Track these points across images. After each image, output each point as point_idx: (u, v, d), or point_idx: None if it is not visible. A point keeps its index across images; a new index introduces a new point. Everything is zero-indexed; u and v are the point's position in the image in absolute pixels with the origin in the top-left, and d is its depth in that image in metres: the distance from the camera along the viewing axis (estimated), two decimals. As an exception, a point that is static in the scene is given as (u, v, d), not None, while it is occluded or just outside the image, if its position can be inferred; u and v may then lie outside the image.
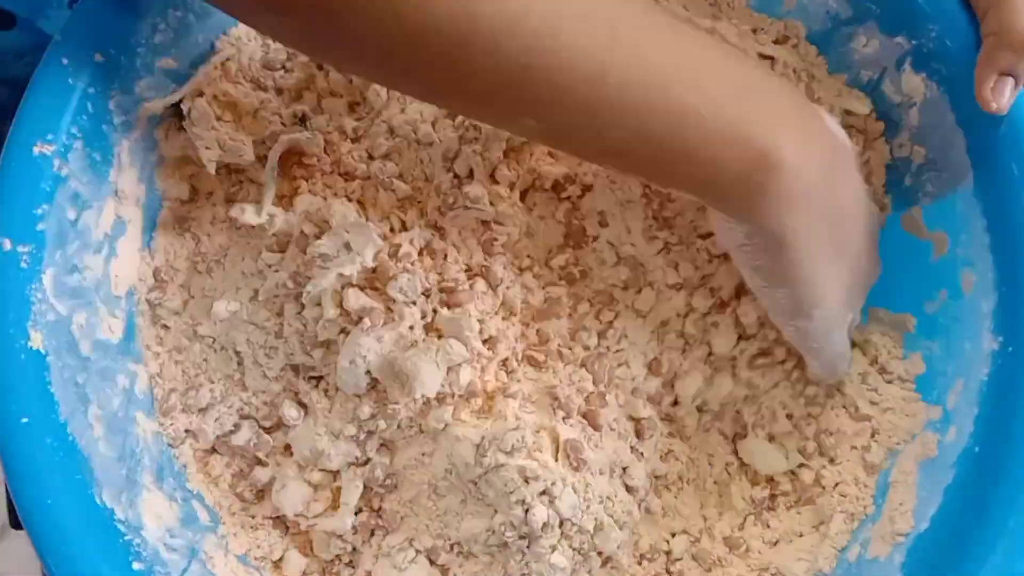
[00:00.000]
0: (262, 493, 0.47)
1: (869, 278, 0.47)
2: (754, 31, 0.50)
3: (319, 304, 0.44)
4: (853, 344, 0.49)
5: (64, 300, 0.42)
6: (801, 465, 0.48)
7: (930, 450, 0.46)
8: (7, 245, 0.40)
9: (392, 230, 0.46)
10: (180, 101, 0.46)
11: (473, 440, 0.43)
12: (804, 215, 0.40)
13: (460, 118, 0.48)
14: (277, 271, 0.45)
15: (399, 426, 0.45)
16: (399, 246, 0.44)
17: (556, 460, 0.44)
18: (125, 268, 0.46)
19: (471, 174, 0.47)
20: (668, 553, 0.47)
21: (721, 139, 0.38)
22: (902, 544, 0.44)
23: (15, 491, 0.40)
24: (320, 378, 0.46)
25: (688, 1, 0.51)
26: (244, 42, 0.48)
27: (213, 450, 0.47)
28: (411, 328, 0.43)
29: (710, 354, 0.48)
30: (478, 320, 0.44)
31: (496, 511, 0.44)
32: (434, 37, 0.35)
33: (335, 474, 0.46)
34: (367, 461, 0.45)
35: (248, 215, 0.46)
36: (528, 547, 0.44)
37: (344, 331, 0.44)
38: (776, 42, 0.50)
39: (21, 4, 0.51)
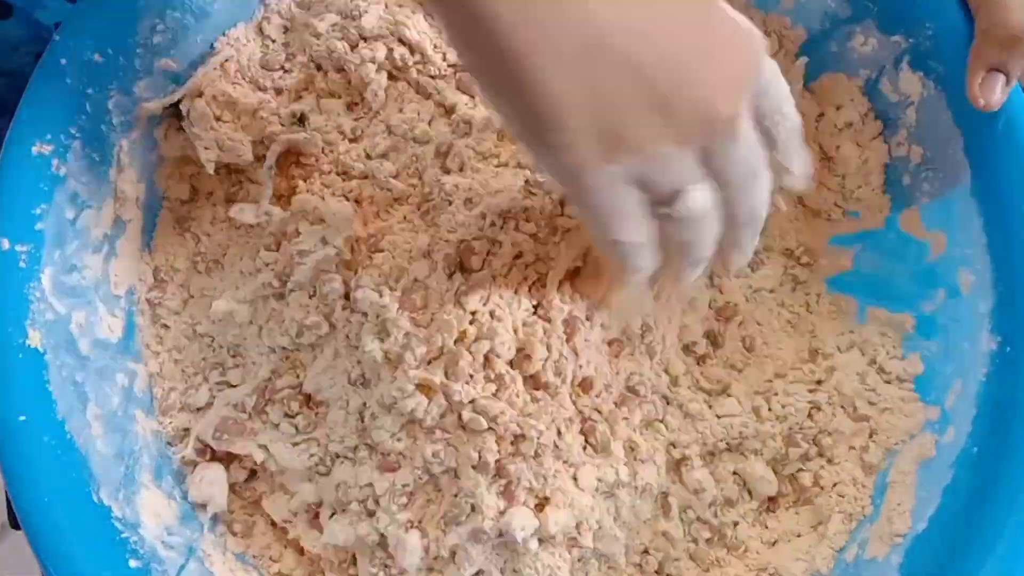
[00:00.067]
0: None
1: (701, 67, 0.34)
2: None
3: (301, 303, 0.45)
4: (851, 345, 0.49)
5: (63, 299, 0.43)
6: (800, 470, 0.48)
7: (928, 450, 0.46)
8: (5, 244, 0.41)
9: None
10: (179, 101, 0.46)
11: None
12: None
13: (455, 115, 0.48)
14: (273, 270, 0.46)
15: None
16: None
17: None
18: (125, 267, 0.46)
19: (461, 168, 0.47)
20: (666, 553, 0.47)
21: None
22: (900, 545, 0.44)
23: (12, 489, 0.40)
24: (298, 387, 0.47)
25: None
26: (243, 43, 0.49)
27: (212, 449, 0.47)
28: None
29: None
30: None
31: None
32: None
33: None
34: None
35: (246, 214, 0.46)
36: (526, 547, 0.44)
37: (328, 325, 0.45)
38: None
39: (17, -6, 0.51)
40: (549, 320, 0.45)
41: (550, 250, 0.45)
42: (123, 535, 0.42)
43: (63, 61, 0.42)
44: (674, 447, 0.48)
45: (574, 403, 0.45)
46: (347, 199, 0.48)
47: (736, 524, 0.48)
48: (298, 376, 0.46)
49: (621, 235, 0.36)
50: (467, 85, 0.50)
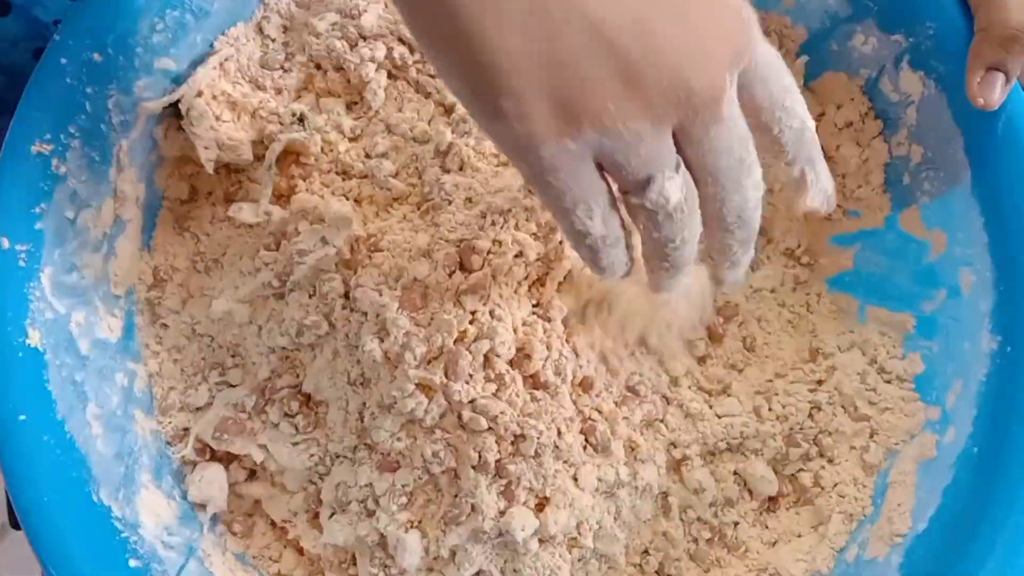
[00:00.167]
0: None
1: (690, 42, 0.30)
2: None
3: (300, 303, 0.45)
4: (851, 345, 0.49)
5: (62, 299, 0.43)
6: (800, 470, 0.48)
7: (929, 451, 0.46)
8: (5, 244, 0.41)
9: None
10: (179, 101, 0.46)
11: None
12: None
13: (455, 115, 0.48)
14: (272, 270, 0.46)
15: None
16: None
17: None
18: (124, 267, 0.46)
19: (461, 168, 0.47)
20: (666, 553, 0.47)
21: None
22: (900, 545, 0.44)
23: (12, 489, 0.40)
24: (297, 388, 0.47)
25: None
26: (243, 42, 0.49)
27: (211, 449, 0.47)
28: None
29: None
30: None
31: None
32: None
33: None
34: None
35: (246, 214, 0.46)
36: (526, 547, 0.44)
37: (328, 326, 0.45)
38: None
39: (16, -10, 0.51)
40: (549, 320, 0.45)
41: (550, 250, 0.45)
42: (123, 535, 0.42)
43: (63, 60, 0.42)
44: (674, 447, 0.48)
45: (574, 403, 0.45)
46: (347, 198, 0.48)
47: (736, 524, 0.48)
48: (298, 376, 0.46)
49: (583, 224, 0.33)
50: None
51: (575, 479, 0.45)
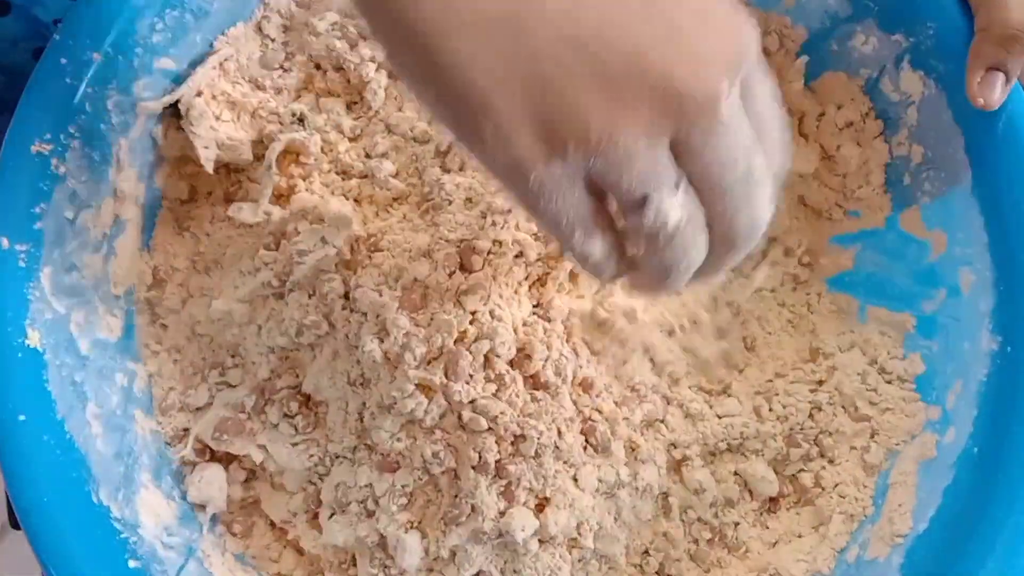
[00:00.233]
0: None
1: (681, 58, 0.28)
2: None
3: (300, 303, 0.45)
4: (851, 345, 0.49)
5: (62, 299, 0.43)
6: (801, 470, 0.48)
7: (929, 451, 0.46)
8: (5, 244, 0.41)
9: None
10: (178, 101, 0.46)
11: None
12: None
13: None
14: (272, 269, 0.46)
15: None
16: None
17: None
18: (124, 267, 0.46)
19: (461, 168, 0.47)
20: (667, 553, 0.47)
21: None
22: (901, 545, 0.44)
23: (12, 488, 0.40)
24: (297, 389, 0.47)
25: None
26: (242, 42, 0.49)
27: (211, 449, 0.47)
28: None
29: None
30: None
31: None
32: None
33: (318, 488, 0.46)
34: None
35: (245, 214, 0.46)
36: (526, 547, 0.44)
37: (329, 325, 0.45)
38: None
39: (15, -10, 0.51)
40: (549, 320, 0.45)
41: (550, 250, 0.45)
42: (122, 535, 0.42)
43: (63, 60, 0.42)
44: (675, 447, 0.48)
45: (574, 403, 0.45)
46: (347, 198, 0.48)
47: (737, 524, 0.48)
48: (297, 376, 0.46)
49: (582, 248, 0.31)
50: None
51: (575, 479, 0.45)
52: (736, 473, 0.48)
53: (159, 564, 0.43)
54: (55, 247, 0.42)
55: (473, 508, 0.43)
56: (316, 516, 0.46)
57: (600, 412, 0.46)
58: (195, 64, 0.47)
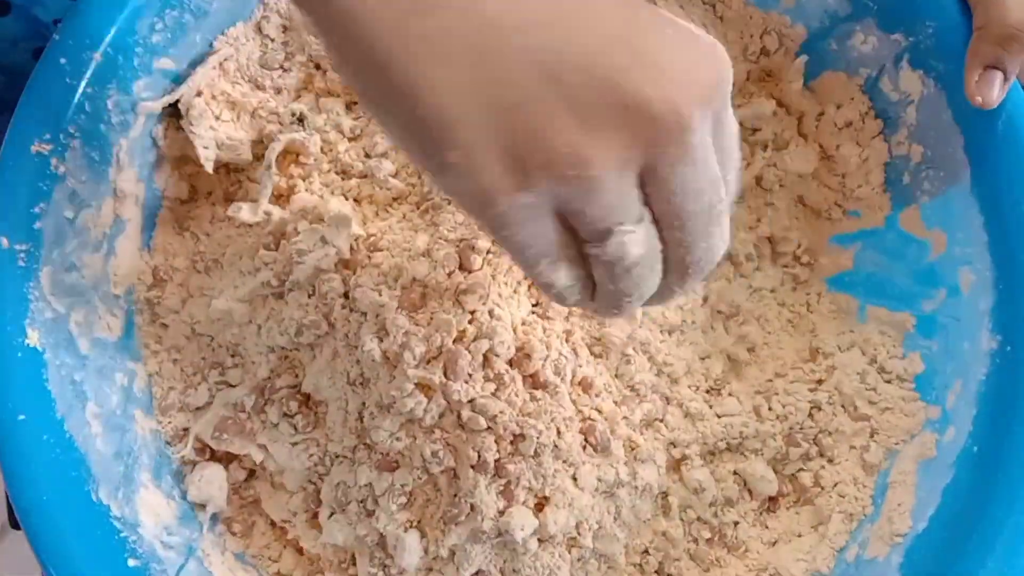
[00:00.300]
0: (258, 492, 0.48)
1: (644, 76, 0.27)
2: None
3: (300, 303, 0.45)
4: (851, 345, 0.49)
5: (62, 298, 0.43)
6: (800, 470, 0.48)
7: (929, 450, 0.46)
8: (4, 243, 0.41)
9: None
10: (178, 100, 0.46)
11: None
12: None
13: None
14: (272, 269, 0.46)
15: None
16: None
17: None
18: (124, 267, 0.46)
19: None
20: (666, 553, 0.47)
21: None
22: (900, 544, 0.44)
23: (11, 488, 0.40)
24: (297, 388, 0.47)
25: (684, 0, 0.51)
26: (242, 42, 0.49)
27: (211, 448, 0.47)
28: None
29: None
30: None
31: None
32: None
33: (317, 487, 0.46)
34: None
35: (245, 213, 0.46)
36: (526, 546, 0.44)
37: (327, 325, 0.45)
38: None
39: (15, -10, 0.51)
40: (548, 319, 0.45)
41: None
42: (122, 534, 0.42)
43: (63, 60, 0.42)
44: (674, 446, 0.48)
45: (574, 402, 0.45)
46: (346, 198, 0.48)
47: (736, 524, 0.48)
48: (297, 376, 0.46)
49: (548, 277, 0.30)
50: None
51: (574, 479, 0.45)
52: (736, 472, 0.48)
53: (159, 563, 0.43)
54: (55, 247, 0.42)
55: (472, 507, 0.43)
56: (316, 515, 0.46)
57: (599, 411, 0.46)
58: (195, 64, 0.47)
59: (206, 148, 0.46)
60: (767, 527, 0.48)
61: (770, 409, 0.49)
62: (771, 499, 0.48)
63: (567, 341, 0.46)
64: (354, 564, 0.46)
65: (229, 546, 0.47)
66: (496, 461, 0.43)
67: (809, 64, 0.51)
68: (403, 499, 0.44)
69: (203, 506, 0.46)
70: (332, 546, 0.45)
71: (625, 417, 0.47)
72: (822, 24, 0.50)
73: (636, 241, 0.29)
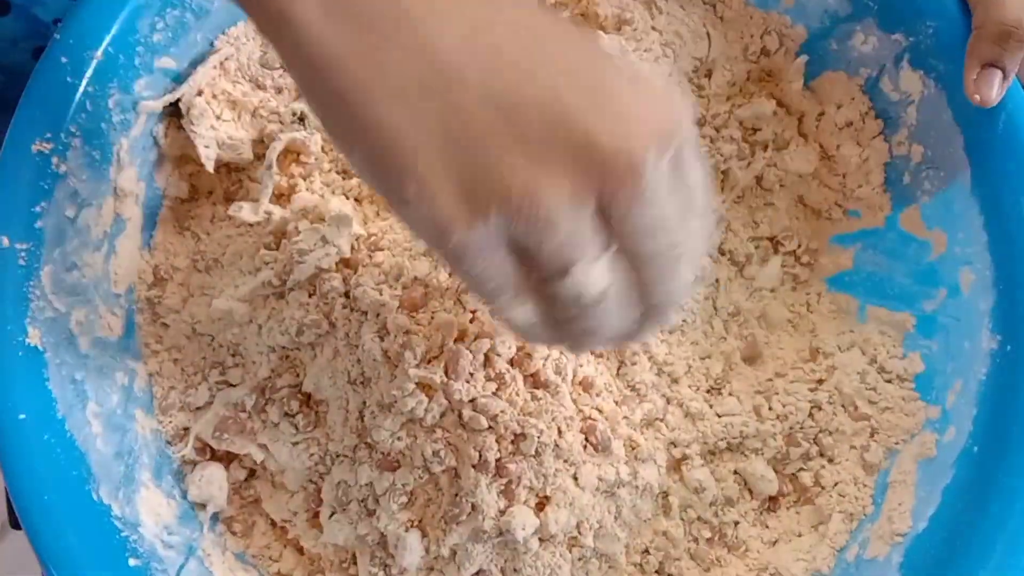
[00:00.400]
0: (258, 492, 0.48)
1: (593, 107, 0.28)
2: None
3: (301, 302, 0.45)
4: (851, 344, 0.49)
5: (62, 297, 0.43)
6: (800, 469, 0.48)
7: (929, 450, 0.46)
8: (5, 242, 0.41)
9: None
10: (179, 100, 0.46)
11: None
12: None
13: None
14: (272, 269, 0.46)
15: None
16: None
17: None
18: (125, 266, 0.46)
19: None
20: (667, 552, 0.47)
21: None
22: (900, 544, 0.44)
23: (12, 487, 0.40)
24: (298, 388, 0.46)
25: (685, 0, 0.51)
26: (243, 41, 0.49)
27: (211, 448, 0.47)
28: None
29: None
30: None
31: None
32: None
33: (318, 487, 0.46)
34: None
35: (246, 213, 0.46)
36: (527, 546, 0.44)
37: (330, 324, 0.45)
38: None
39: (15, -10, 0.51)
40: (549, 319, 0.45)
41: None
42: (123, 534, 0.42)
43: (63, 59, 0.42)
44: (675, 446, 0.48)
45: (574, 402, 0.45)
46: (347, 198, 0.48)
47: (737, 523, 0.48)
48: (298, 375, 0.46)
49: (507, 314, 0.31)
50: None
51: (575, 478, 0.45)
52: (736, 472, 0.48)
53: (159, 563, 0.43)
54: (56, 246, 0.42)
55: (473, 507, 0.43)
56: (316, 515, 0.46)
57: (600, 411, 0.46)
58: (196, 63, 0.47)
59: (207, 147, 0.46)
60: (767, 527, 0.48)
61: (770, 409, 0.49)
62: (771, 499, 0.48)
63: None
64: (355, 564, 0.46)
65: (230, 546, 0.47)
66: (497, 460, 0.43)
67: (809, 64, 0.51)
68: (404, 499, 0.44)
69: (203, 506, 0.46)
70: (333, 546, 0.45)
71: (626, 417, 0.47)
72: (822, 24, 0.50)
73: (595, 279, 0.29)
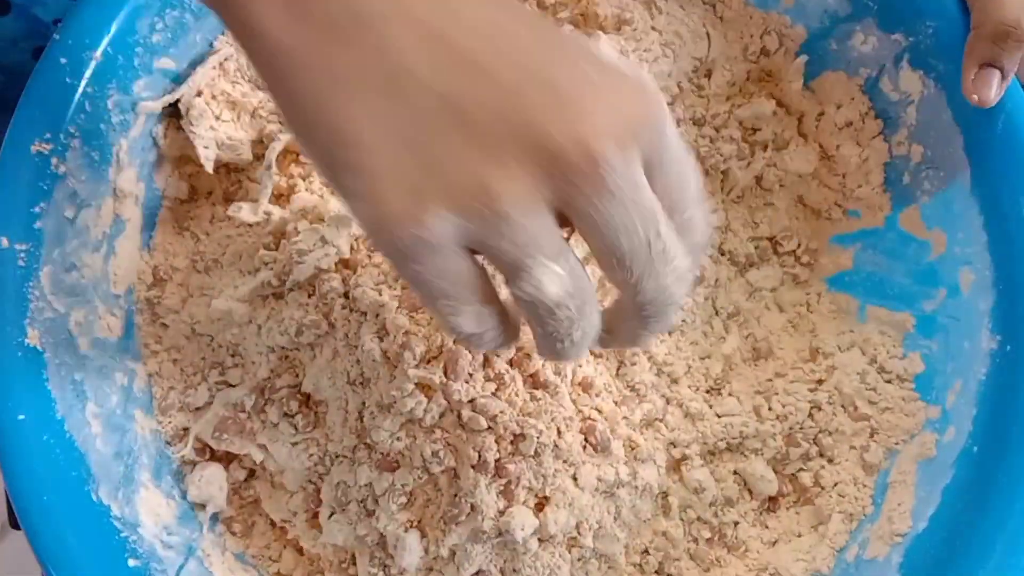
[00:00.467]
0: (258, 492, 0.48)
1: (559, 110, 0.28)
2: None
3: (300, 302, 0.45)
4: (851, 345, 0.49)
5: (62, 298, 0.43)
6: (800, 470, 0.48)
7: (929, 450, 0.46)
8: (4, 243, 0.41)
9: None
10: (178, 100, 0.46)
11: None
12: None
13: None
14: (272, 269, 0.46)
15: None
16: None
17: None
18: (124, 266, 0.46)
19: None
20: (666, 553, 0.47)
21: None
22: (900, 544, 0.44)
23: (11, 487, 0.40)
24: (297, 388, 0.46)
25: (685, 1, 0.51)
26: (242, 42, 0.49)
27: (211, 448, 0.47)
28: None
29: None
30: None
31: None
32: None
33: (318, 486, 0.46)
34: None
35: (245, 213, 0.46)
36: (526, 546, 0.44)
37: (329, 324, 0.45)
38: None
39: (15, -10, 0.51)
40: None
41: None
42: (122, 534, 0.42)
43: (62, 60, 0.42)
44: (674, 446, 0.48)
45: (574, 402, 0.45)
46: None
47: (736, 524, 0.48)
48: (297, 375, 0.46)
49: (450, 321, 0.30)
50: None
51: (575, 479, 0.45)
52: (736, 472, 0.48)
53: (159, 563, 0.43)
54: (55, 246, 0.42)
55: (473, 507, 0.43)
56: (316, 515, 0.46)
57: (600, 411, 0.46)
58: (195, 64, 0.47)
59: (206, 148, 0.46)
60: (767, 527, 0.48)
61: (770, 409, 0.49)
62: (771, 499, 0.48)
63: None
64: (354, 564, 0.46)
65: (229, 546, 0.47)
66: (496, 461, 0.43)
67: (809, 64, 0.51)
68: (403, 499, 0.44)
69: (203, 506, 0.46)
70: (332, 546, 0.45)
71: (625, 417, 0.47)
72: (822, 24, 0.50)
73: (554, 278, 0.28)
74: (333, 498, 0.45)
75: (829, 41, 0.50)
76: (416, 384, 0.42)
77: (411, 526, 0.44)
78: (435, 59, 0.28)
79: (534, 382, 0.44)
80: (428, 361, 0.43)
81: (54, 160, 0.42)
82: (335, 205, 0.46)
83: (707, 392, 0.50)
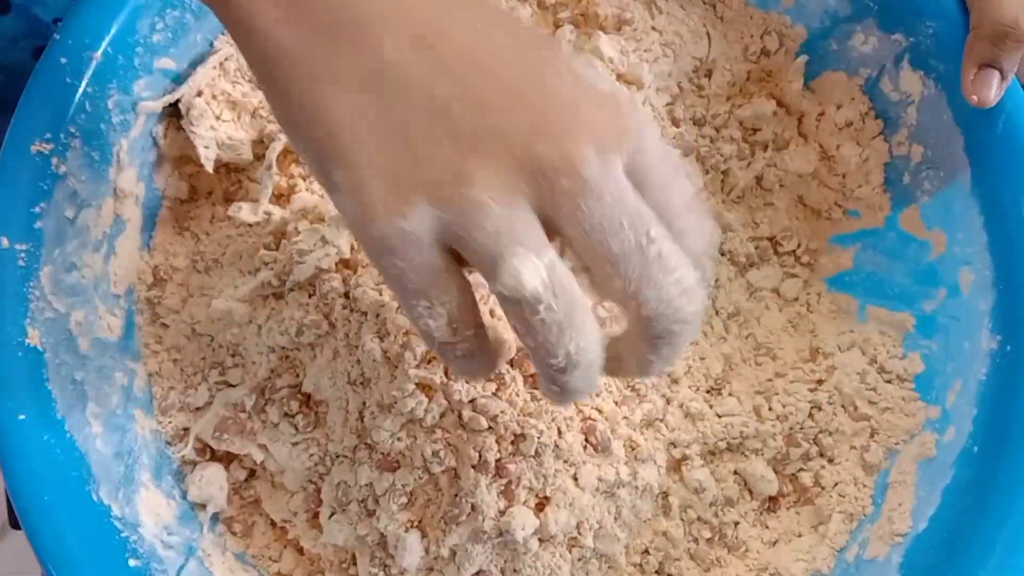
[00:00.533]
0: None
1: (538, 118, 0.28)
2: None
3: (300, 302, 0.45)
4: (851, 345, 0.49)
5: (62, 298, 0.43)
6: (800, 470, 0.48)
7: (929, 450, 0.46)
8: (4, 243, 0.41)
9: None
10: (179, 100, 0.46)
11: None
12: None
13: None
14: (272, 269, 0.46)
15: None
16: None
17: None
18: (124, 266, 0.46)
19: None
20: (667, 553, 0.47)
21: None
22: (900, 544, 0.44)
23: (11, 487, 0.40)
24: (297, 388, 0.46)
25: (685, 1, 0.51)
26: (243, 41, 0.49)
27: (211, 448, 0.47)
28: None
29: None
30: None
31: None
32: None
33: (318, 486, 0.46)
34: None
35: (245, 213, 0.46)
36: (527, 546, 0.44)
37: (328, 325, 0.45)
38: None
39: (15, -11, 0.51)
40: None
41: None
42: (123, 534, 0.42)
43: (63, 60, 0.42)
44: (674, 446, 0.48)
45: (574, 402, 0.45)
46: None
47: (737, 524, 0.48)
48: (297, 376, 0.46)
49: (424, 324, 0.29)
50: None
51: (575, 479, 0.45)
52: (736, 472, 0.48)
53: (159, 563, 0.43)
54: (55, 246, 0.42)
55: (473, 507, 0.43)
56: (316, 515, 0.46)
57: (600, 411, 0.46)
58: (195, 64, 0.47)
59: (206, 148, 0.46)
60: (767, 527, 0.48)
61: (770, 409, 0.49)
62: (771, 499, 0.48)
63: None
64: (355, 564, 0.46)
65: (229, 546, 0.47)
66: (497, 461, 0.43)
67: (809, 64, 0.51)
68: (404, 499, 0.44)
69: (203, 506, 0.46)
70: (333, 546, 0.45)
71: (625, 417, 0.47)
72: (822, 24, 0.50)
73: (532, 268, 0.27)
74: (333, 498, 0.45)
75: (829, 41, 0.50)
76: (417, 384, 0.42)
77: (412, 526, 0.44)
78: (425, 62, 0.28)
79: (534, 382, 0.44)
80: (429, 361, 0.43)
81: (54, 160, 0.42)
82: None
83: (707, 392, 0.50)
